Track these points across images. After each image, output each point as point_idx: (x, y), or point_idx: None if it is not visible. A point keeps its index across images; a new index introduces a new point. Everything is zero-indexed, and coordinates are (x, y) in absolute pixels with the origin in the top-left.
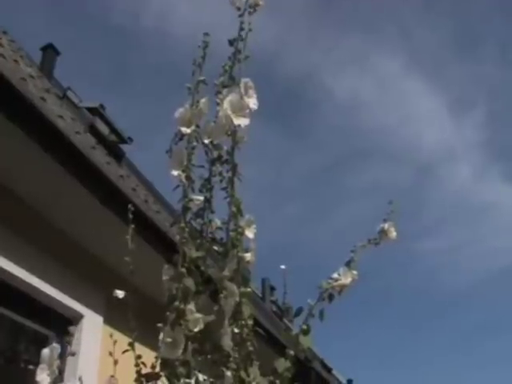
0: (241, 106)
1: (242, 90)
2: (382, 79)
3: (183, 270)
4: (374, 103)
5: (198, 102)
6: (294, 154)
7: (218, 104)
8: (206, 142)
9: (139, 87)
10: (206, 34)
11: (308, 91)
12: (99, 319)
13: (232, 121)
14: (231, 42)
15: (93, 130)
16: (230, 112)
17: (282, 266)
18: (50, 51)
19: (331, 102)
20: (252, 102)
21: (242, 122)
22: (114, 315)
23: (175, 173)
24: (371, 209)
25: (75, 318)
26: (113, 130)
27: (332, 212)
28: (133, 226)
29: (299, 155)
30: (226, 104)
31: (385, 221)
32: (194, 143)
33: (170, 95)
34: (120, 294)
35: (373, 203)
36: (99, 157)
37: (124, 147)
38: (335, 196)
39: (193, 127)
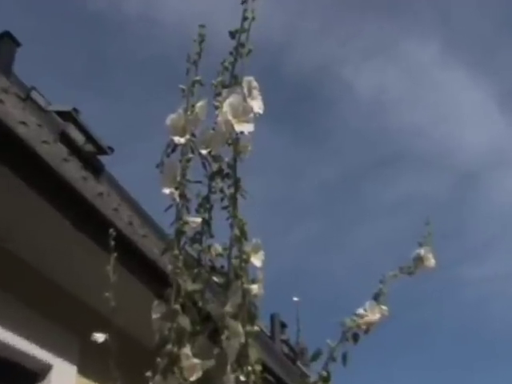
0: (244, 110)
1: (245, 90)
2: (413, 70)
3: (177, 306)
4: (402, 100)
5: (193, 105)
6: (308, 163)
7: (216, 108)
8: (204, 152)
9: (121, 86)
10: (202, 26)
11: (323, 88)
12: (72, 369)
13: (233, 127)
14: (232, 34)
15: (64, 139)
16: (230, 117)
17: (295, 299)
18: (7, 41)
19: (351, 100)
20: (257, 105)
21: (245, 128)
22: (91, 364)
23: (167, 190)
24: (401, 229)
25: (42, 371)
26: (89, 138)
27: (353, 232)
28: (115, 254)
29: (314, 165)
30: (226, 107)
31: (420, 245)
32: (190, 155)
33: (158, 95)
34: (99, 337)
35: (403, 222)
36: (72, 171)
37: (103, 159)
38: (356, 213)
39: (187, 136)
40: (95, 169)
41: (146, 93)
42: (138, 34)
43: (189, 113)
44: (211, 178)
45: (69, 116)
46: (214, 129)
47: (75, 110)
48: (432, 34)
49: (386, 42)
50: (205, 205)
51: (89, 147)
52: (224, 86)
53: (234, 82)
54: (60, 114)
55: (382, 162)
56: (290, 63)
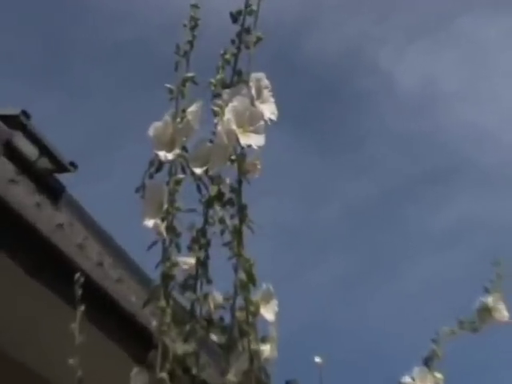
0: (251, 117)
1: (253, 90)
2: (473, 55)
3: (164, 374)
4: (458, 94)
5: (184, 111)
6: (334, 180)
7: (215, 114)
8: (199, 172)
9: (86, 81)
10: (195, 7)
11: (354, 80)
12: None
13: (238, 139)
14: (234, 17)
15: (10, 152)
16: (234, 126)
17: (317, 360)
18: None
19: (390, 94)
20: (268, 109)
21: (253, 140)
22: None
23: (150, 221)
24: (456, 266)
25: None
26: (44, 150)
27: (391, 271)
28: (82, 306)
29: (341, 182)
30: (228, 114)
31: (486, 291)
32: (180, 175)
33: (136, 92)
34: None
35: (458, 257)
36: (22, 195)
37: (63, 178)
38: (396, 245)
39: (177, 150)
40: (53, 192)
41: (119, 89)
42: (107, 14)
43: (178, 120)
44: (208, 204)
45: (16, 122)
46: (211, 141)
47: (25, 113)
48: (500, 7)
49: (438, 18)
50: (200, 240)
51: (44, 163)
52: (225, 86)
53: (237, 79)
54: (4, 119)
55: (431, 177)
56: (311, 49)
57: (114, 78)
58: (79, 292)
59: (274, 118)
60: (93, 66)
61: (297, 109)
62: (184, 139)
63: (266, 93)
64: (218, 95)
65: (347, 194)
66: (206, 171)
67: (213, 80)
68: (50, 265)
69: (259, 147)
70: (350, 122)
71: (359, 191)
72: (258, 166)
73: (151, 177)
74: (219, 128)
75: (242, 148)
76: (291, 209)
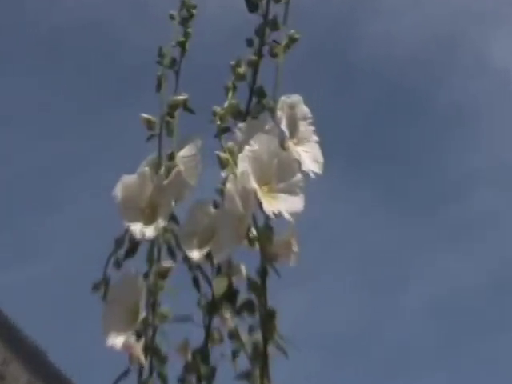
0: (281, 167)
1: (284, 124)
2: None
3: None
4: None
5: (172, 156)
6: (414, 252)
7: (223, 163)
8: (196, 257)
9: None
10: None
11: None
12: None
13: (260, 204)
14: (253, 4)
15: None
16: (254, 182)
17: None
18: None
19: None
20: (309, 154)
21: (285, 205)
22: None
23: (118, 339)
24: None
25: None
26: None
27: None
28: None
29: (419, 281)
30: (244, 162)
31: None
32: (167, 262)
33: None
34: None
35: None
36: None
37: None
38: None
39: (161, 222)
40: None
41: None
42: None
43: (163, 172)
44: (212, 309)
45: None
46: (216, 206)
47: None
48: None
49: None
50: (199, 367)
51: None
52: (238, 116)
53: (258, 106)
54: None
55: None
56: (369, 51)
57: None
58: None
59: (317, 168)
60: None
61: (354, 143)
62: (172, 204)
63: (305, 127)
64: (226, 131)
65: (422, 291)
66: (209, 256)
67: (218, 107)
68: None
69: (295, 216)
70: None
71: (460, 277)
72: (294, 248)
73: (118, 265)
74: (229, 186)
75: (268, 218)
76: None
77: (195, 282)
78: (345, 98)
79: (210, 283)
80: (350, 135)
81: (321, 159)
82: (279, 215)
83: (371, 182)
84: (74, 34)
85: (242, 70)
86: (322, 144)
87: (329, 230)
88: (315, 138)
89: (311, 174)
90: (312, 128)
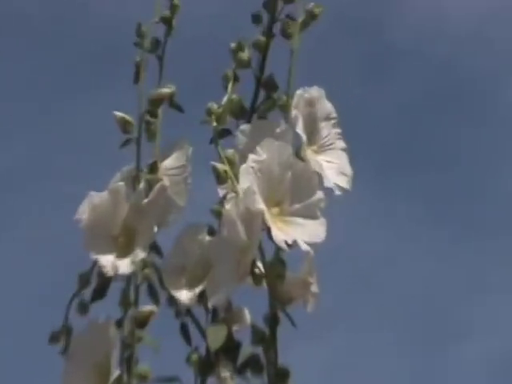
0: (297, 182)
1: (300, 126)
2: None
3: None
4: None
5: (153, 168)
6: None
7: (220, 177)
8: (185, 299)
9: None
10: None
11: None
12: None
13: (269, 230)
14: None
15: None
16: (261, 202)
17: None
18: None
19: None
20: (333, 166)
21: (302, 233)
22: None
23: None
24: None
25: None
26: None
27: None
28: None
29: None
30: (247, 176)
31: None
32: (147, 307)
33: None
34: None
35: None
36: None
37: None
38: None
39: (140, 253)
40: None
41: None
42: None
43: (142, 187)
44: (206, 369)
45: None
46: (211, 232)
47: None
48: None
49: None
50: None
51: None
52: (240, 115)
53: (266, 102)
54: None
55: None
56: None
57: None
58: None
59: (344, 183)
60: None
61: (392, 148)
62: (154, 229)
63: (329, 130)
64: (225, 134)
65: None
66: (202, 297)
67: (215, 103)
68: None
69: (314, 246)
70: None
71: None
72: (313, 288)
73: (83, 310)
74: (229, 206)
75: (279, 249)
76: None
77: (184, 331)
78: (380, 89)
79: (203, 333)
80: (386, 137)
81: (349, 171)
82: (294, 245)
83: (413, 198)
84: None
85: (245, 54)
86: (351, 152)
87: (358, 263)
88: (341, 143)
89: (336, 191)
90: (337, 131)
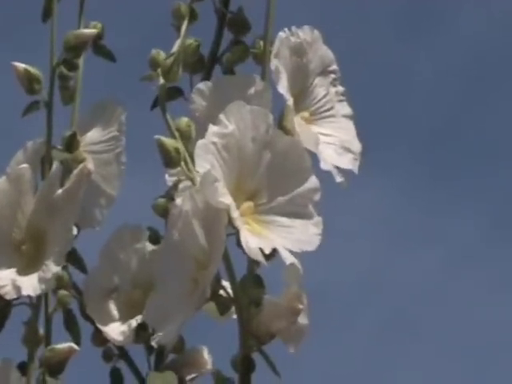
0: (280, 168)
1: (284, 81)
2: None
3: None
4: None
5: (72, 139)
6: None
7: (168, 158)
8: (118, 337)
9: None
10: None
11: None
12: None
13: (242, 238)
14: None
15: None
16: (227, 197)
17: None
18: None
19: None
20: (335, 143)
21: (284, 240)
22: None
23: None
24: None
25: None
26: None
27: None
28: None
29: None
30: (206, 159)
31: None
32: (66, 347)
33: None
34: None
35: None
36: None
37: None
38: None
39: (53, 267)
40: None
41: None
42: None
43: (54, 171)
44: None
45: None
46: (154, 237)
47: None
48: None
49: None
50: None
51: None
52: (196, 66)
53: (235, 48)
54: None
55: None
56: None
57: None
58: None
59: (349, 164)
60: None
61: (423, 128)
62: (73, 232)
63: (327, 88)
64: (175, 95)
65: None
66: (140, 331)
67: (161, 51)
68: None
69: (301, 257)
70: None
71: None
72: (301, 318)
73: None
74: (181, 200)
75: (253, 262)
76: None
77: (115, 379)
78: (424, 46)
79: (142, 381)
80: (436, 111)
81: (356, 147)
82: (273, 256)
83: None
84: None
85: None
86: (359, 120)
87: (366, 284)
88: (345, 108)
89: (337, 177)
90: (339, 90)
